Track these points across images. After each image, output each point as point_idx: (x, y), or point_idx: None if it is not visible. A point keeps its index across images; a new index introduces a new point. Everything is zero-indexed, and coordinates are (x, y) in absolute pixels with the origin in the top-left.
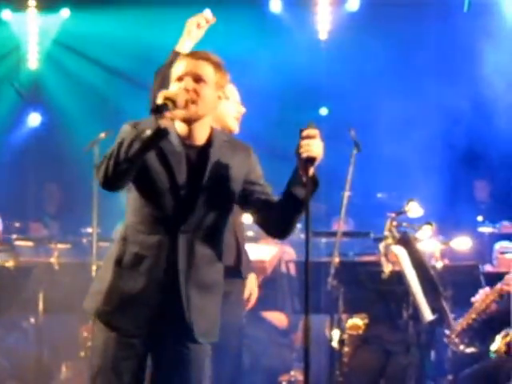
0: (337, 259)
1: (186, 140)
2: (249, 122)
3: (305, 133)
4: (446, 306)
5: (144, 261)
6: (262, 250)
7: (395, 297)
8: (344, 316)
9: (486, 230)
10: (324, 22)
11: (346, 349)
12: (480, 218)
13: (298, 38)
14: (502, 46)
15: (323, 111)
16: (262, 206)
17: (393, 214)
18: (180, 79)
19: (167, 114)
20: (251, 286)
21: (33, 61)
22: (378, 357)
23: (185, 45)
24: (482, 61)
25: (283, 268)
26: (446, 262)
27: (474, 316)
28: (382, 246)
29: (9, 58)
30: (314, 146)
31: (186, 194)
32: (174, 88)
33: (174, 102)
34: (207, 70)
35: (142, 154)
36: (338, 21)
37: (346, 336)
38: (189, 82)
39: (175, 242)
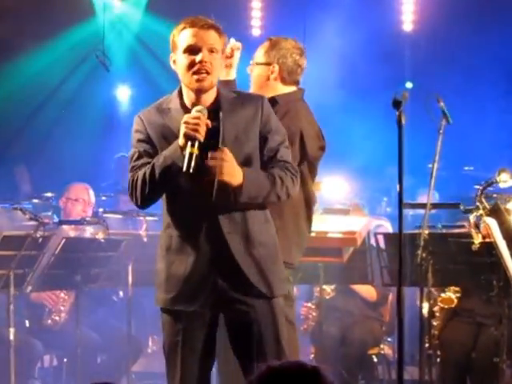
0: (426, 231)
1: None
2: None
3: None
4: None
5: (189, 241)
6: (352, 222)
7: (486, 269)
8: (435, 289)
9: None
10: None
11: (436, 322)
12: None
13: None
14: None
15: (408, 85)
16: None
17: (483, 185)
18: (193, 51)
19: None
20: None
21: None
22: (469, 329)
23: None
24: None
25: (372, 240)
26: None
27: None
28: (472, 217)
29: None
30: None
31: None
32: (185, 79)
33: (196, 133)
34: (216, 39)
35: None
36: None
37: (436, 309)
38: (206, 55)
39: (213, 212)
